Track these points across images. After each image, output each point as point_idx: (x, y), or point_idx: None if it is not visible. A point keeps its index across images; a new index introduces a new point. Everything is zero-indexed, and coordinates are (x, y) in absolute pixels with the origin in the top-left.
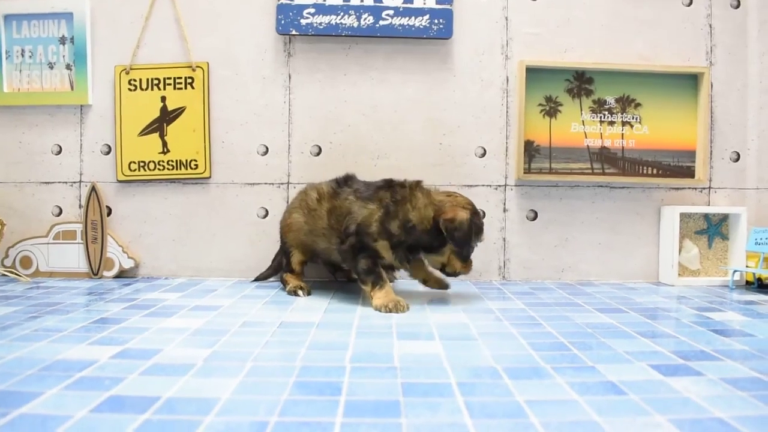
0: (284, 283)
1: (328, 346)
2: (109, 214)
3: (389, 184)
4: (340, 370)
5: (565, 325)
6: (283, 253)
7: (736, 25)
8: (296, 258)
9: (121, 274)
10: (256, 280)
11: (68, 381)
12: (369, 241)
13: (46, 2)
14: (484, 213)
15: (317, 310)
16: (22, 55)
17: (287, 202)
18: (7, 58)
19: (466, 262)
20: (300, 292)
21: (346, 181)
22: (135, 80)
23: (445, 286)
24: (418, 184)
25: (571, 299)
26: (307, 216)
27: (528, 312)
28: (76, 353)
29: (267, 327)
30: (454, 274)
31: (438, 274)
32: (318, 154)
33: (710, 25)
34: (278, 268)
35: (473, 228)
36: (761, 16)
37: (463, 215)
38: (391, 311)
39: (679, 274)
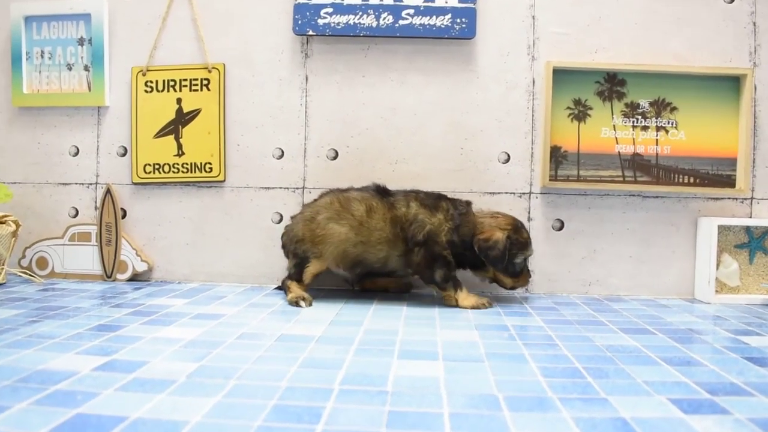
0: (287, 290)
1: (322, 364)
2: (123, 216)
3: (446, 197)
4: (326, 392)
5: (584, 347)
6: (297, 260)
7: None
8: (313, 268)
9: (135, 278)
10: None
11: (41, 394)
12: (440, 249)
13: (64, 3)
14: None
15: (322, 322)
16: (42, 57)
17: (302, 207)
18: (27, 59)
19: (518, 277)
20: (302, 303)
21: (386, 190)
22: (151, 82)
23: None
24: (469, 203)
25: (596, 317)
26: (357, 228)
27: (546, 330)
28: (60, 363)
29: (264, 340)
30: (511, 288)
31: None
32: (335, 158)
33: (754, 23)
34: None
35: (507, 247)
36: None
37: (498, 236)
38: (487, 307)
39: (716, 291)
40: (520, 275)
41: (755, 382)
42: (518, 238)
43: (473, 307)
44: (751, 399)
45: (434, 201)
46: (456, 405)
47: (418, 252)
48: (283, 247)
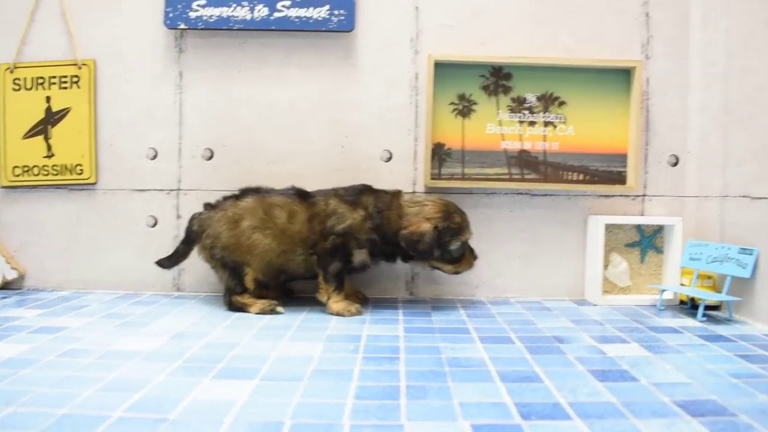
0: (245, 307)
1: (122, 386)
2: None
3: (370, 189)
4: (98, 421)
5: (426, 361)
6: (230, 270)
7: (677, 14)
8: (251, 275)
9: (6, 286)
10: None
11: None
12: (353, 246)
13: None
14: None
15: (164, 335)
16: None
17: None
18: None
19: (459, 263)
20: (278, 309)
21: (306, 192)
22: (19, 79)
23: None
24: (398, 193)
25: (464, 324)
26: (280, 238)
27: (398, 342)
28: None
29: (86, 357)
30: (455, 273)
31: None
32: (210, 158)
33: (647, 14)
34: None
35: (436, 238)
36: (706, 2)
37: (424, 228)
38: (353, 314)
39: (606, 292)
40: (462, 260)
41: (581, 401)
42: (449, 225)
43: (338, 314)
44: (561, 424)
45: (355, 197)
46: None
47: (331, 240)
48: (194, 234)
